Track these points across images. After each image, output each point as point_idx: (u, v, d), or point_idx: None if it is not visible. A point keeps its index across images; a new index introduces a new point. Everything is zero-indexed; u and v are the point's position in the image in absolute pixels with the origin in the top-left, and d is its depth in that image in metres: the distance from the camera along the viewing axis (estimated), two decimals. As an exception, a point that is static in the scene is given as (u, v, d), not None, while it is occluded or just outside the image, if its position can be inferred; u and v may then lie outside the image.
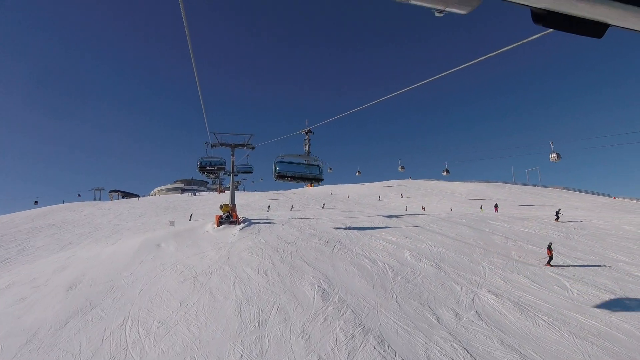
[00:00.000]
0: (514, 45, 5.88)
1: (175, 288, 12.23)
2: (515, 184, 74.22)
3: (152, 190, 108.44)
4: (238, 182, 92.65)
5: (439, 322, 9.39)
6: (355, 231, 19.23)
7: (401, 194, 62.41)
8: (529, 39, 5.45)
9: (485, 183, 73.45)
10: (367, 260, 14.06)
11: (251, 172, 29.26)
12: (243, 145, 25.70)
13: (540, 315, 9.64)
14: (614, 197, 62.56)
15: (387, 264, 13.60)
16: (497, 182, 75.13)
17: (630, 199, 60.47)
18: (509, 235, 17.87)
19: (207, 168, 25.52)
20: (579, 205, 48.68)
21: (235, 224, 21.48)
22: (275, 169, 13.56)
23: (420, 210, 32.35)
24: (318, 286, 11.53)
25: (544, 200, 53.90)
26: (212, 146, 25.53)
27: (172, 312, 10.50)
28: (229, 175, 31.33)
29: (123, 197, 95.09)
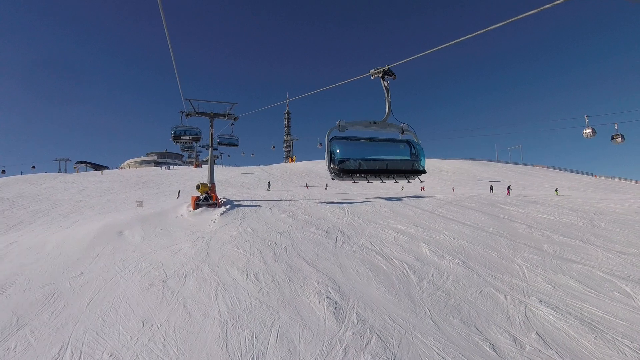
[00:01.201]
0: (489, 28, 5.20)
1: (138, 298, 9.32)
2: (500, 162, 73.94)
3: (123, 162, 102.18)
4: (216, 156, 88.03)
5: (495, 352, 7.01)
6: (356, 217, 16.65)
7: (387, 171, 60.48)
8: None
9: (470, 161, 72.63)
10: (379, 258, 11.53)
11: (237, 145, 25.46)
12: (224, 115, 22.25)
13: (619, 339, 7.42)
14: (595, 176, 63.13)
15: (406, 263, 11.12)
16: (481, 160, 74.54)
17: (611, 177, 61.09)
18: (530, 223, 15.79)
19: (182, 137, 22.28)
20: (568, 185, 48.21)
21: (215, 207, 18.48)
22: (332, 155, 5.82)
23: (419, 191, 30.13)
24: (327, 297, 8.91)
25: (533, 180, 53.27)
26: (187, 115, 21.96)
27: (131, 337, 7.64)
28: (207, 148, 28.09)
29: (95, 169, 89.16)
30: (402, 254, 11.93)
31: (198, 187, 19.33)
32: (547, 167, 67.76)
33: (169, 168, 71.22)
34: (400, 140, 6.29)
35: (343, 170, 5.82)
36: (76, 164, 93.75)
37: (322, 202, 21.01)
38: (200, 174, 57.15)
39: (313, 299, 8.84)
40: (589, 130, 25.08)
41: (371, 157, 5.86)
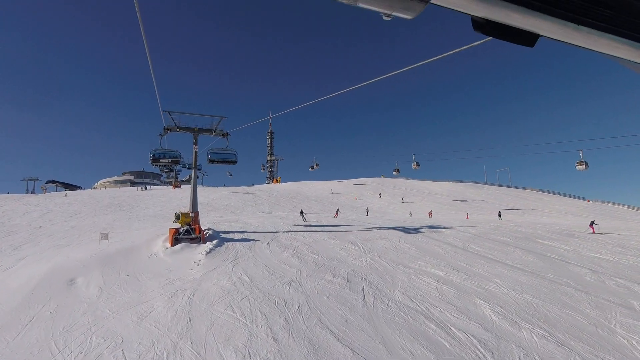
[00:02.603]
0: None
1: (75, 415, 5.75)
2: (491, 184, 72.70)
3: (97, 182, 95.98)
4: (196, 175, 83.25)
5: None
6: (377, 257, 13.47)
7: (379, 194, 57.86)
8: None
9: (461, 183, 71.14)
10: (433, 327, 8.32)
11: (235, 162, 20.06)
12: (210, 130, 18.94)
13: None
14: (588, 200, 62.33)
15: (472, 336, 7.94)
16: (472, 182, 73.24)
17: (604, 202, 60.32)
18: (590, 267, 12.99)
19: (161, 160, 20.55)
20: (567, 210, 46.64)
21: (199, 242, 14.94)
22: None
23: (428, 218, 27.27)
24: (385, 414, 5.59)
25: (531, 204, 51.59)
26: (167, 130, 18.57)
27: None
28: (188, 167, 24.74)
29: (66, 189, 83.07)
30: (459, 318, 8.76)
31: (178, 217, 15.68)
32: (539, 191, 66.76)
33: (146, 188, 66.40)
34: None
35: None
36: (45, 183, 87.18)
37: (328, 235, 17.74)
38: (180, 195, 52.85)
39: (364, 419, 5.50)
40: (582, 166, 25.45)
41: None
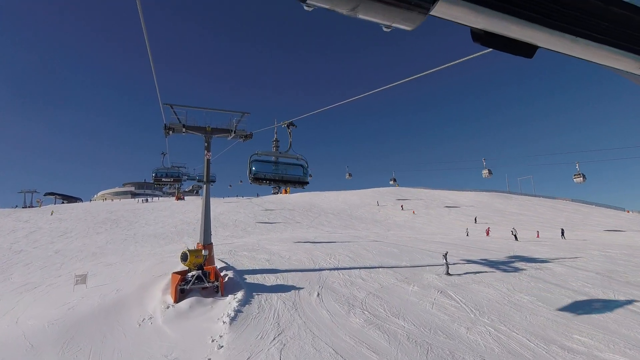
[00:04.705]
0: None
1: None
2: (518, 194, 67.33)
3: (96, 194, 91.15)
4: (199, 186, 77.81)
5: None
6: (497, 323, 8.48)
7: (401, 206, 52.78)
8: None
9: (486, 193, 65.73)
10: None
11: (307, 183, 10.56)
12: (228, 131, 14.08)
13: None
14: (628, 211, 57.07)
15: None
16: (498, 191, 67.87)
17: (647, 213, 55.02)
18: None
19: (163, 179, 21.69)
20: (616, 223, 41.37)
21: (217, 294, 10.02)
22: None
23: (488, 239, 22.19)
24: None
25: (574, 217, 46.27)
26: (168, 131, 13.84)
27: None
28: (198, 180, 20.35)
29: (63, 201, 78.72)
30: None
31: (184, 257, 10.52)
32: (571, 200, 61.37)
33: (147, 201, 61.67)
34: None
35: None
36: (44, 195, 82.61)
37: (392, 275, 12.76)
38: (183, 209, 47.98)
39: None
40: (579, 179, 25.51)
41: None
